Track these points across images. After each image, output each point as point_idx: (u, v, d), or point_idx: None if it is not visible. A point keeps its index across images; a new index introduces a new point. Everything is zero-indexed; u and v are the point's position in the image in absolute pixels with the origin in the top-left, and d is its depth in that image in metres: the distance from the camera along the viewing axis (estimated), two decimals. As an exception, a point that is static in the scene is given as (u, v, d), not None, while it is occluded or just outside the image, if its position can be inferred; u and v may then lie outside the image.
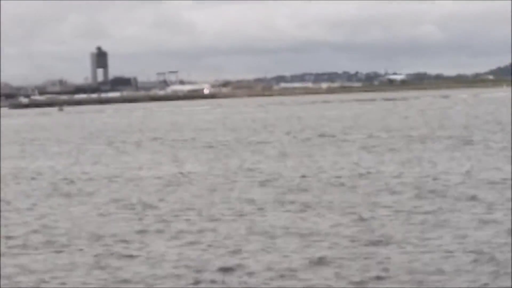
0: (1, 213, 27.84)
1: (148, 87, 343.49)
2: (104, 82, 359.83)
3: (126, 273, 18.07)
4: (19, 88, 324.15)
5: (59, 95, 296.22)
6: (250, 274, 17.59)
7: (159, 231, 23.14)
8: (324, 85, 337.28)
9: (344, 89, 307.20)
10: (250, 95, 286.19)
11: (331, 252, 19.43)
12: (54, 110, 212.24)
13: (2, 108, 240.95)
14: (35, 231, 23.97)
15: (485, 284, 15.97)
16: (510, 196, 26.76)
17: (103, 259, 19.58)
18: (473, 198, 26.92)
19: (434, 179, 32.45)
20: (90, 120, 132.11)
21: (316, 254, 19.22)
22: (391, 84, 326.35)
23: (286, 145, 55.54)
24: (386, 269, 17.46)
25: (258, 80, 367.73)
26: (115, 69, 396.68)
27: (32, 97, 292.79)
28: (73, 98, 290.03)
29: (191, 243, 21.13)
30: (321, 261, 18.43)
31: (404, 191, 29.29)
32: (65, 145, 66.20)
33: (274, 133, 70.77)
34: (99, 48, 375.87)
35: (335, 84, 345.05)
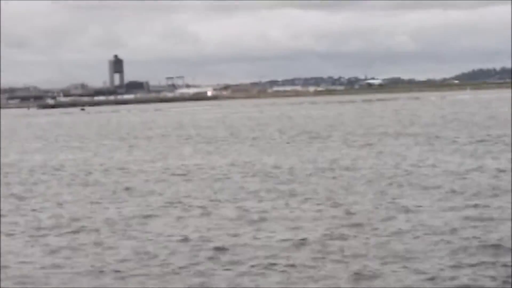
0: (29, 199, 27.90)
1: (158, 90, 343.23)
2: (120, 86, 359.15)
3: (124, 250, 18.05)
4: (46, 91, 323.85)
5: (81, 97, 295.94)
6: (242, 251, 17.56)
7: (164, 214, 23.12)
8: (311, 89, 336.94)
9: (328, 92, 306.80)
10: (247, 97, 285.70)
11: (312, 233, 19.40)
12: (76, 110, 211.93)
13: (31, 108, 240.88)
14: (58, 216, 23.92)
15: (443, 258, 15.97)
16: (470, 184, 26.81)
17: (107, 240, 19.56)
18: (439, 186, 26.91)
19: (405, 170, 32.42)
20: (107, 119, 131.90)
21: (300, 235, 19.19)
22: (370, 88, 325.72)
23: (277, 141, 55.47)
24: (360, 248, 17.45)
25: (254, 84, 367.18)
26: (130, 74, 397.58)
27: (58, 99, 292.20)
28: (93, 99, 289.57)
29: (190, 225, 21.09)
30: (304, 242, 18.40)
31: (378, 180, 29.25)
32: (85, 141, 66.10)
33: (267, 130, 70.68)
34: (115, 56, 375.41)
35: (321, 88, 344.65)
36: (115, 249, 18.49)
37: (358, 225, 20.34)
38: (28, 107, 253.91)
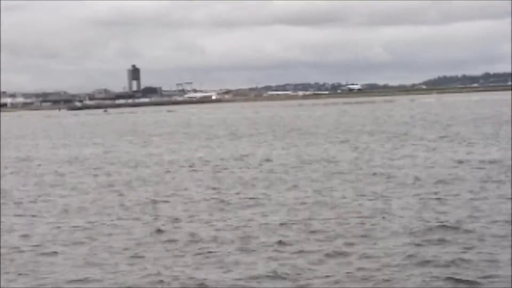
0: (60, 186, 27.94)
1: (170, 94, 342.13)
2: (137, 91, 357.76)
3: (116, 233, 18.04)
4: (74, 95, 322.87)
5: (104, 100, 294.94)
6: (237, 226, 17.62)
7: (172, 196, 23.15)
8: (300, 93, 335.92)
9: (315, 96, 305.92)
10: (245, 100, 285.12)
11: (294, 214, 19.44)
12: (100, 111, 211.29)
13: (61, 110, 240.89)
14: (83, 200, 23.95)
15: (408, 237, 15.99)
16: (434, 174, 26.84)
17: (120, 222, 19.60)
18: (406, 175, 26.92)
19: (378, 162, 32.41)
20: (126, 119, 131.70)
21: (285, 217, 19.24)
22: (350, 92, 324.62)
23: (270, 137, 55.40)
24: (336, 226, 17.48)
25: (252, 89, 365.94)
26: (146, 81, 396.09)
27: (84, 102, 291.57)
28: (114, 102, 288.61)
29: (194, 207, 21.11)
30: (287, 222, 18.44)
31: (354, 171, 29.25)
32: (106, 137, 65.99)
33: (261, 128, 70.60)
34: (133, 66, 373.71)
35: (308, 92, 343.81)
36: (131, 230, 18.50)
37: (335, 207, 20.41)
38: (59, 109, 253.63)
